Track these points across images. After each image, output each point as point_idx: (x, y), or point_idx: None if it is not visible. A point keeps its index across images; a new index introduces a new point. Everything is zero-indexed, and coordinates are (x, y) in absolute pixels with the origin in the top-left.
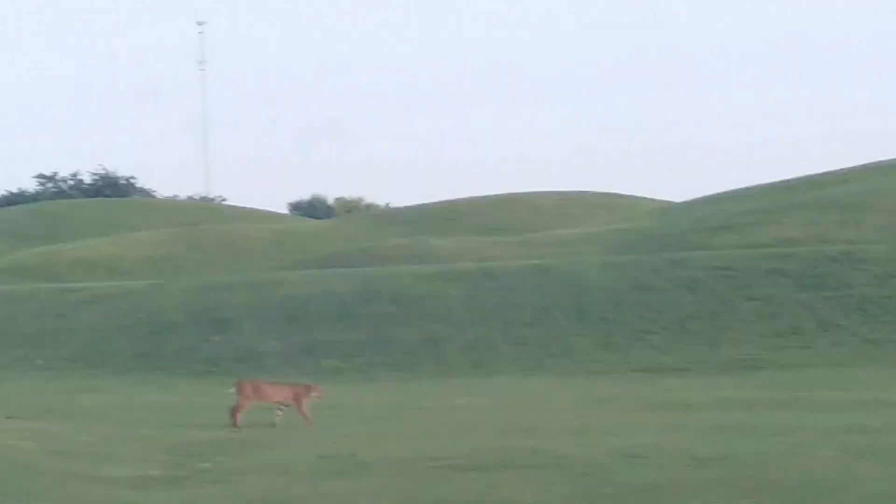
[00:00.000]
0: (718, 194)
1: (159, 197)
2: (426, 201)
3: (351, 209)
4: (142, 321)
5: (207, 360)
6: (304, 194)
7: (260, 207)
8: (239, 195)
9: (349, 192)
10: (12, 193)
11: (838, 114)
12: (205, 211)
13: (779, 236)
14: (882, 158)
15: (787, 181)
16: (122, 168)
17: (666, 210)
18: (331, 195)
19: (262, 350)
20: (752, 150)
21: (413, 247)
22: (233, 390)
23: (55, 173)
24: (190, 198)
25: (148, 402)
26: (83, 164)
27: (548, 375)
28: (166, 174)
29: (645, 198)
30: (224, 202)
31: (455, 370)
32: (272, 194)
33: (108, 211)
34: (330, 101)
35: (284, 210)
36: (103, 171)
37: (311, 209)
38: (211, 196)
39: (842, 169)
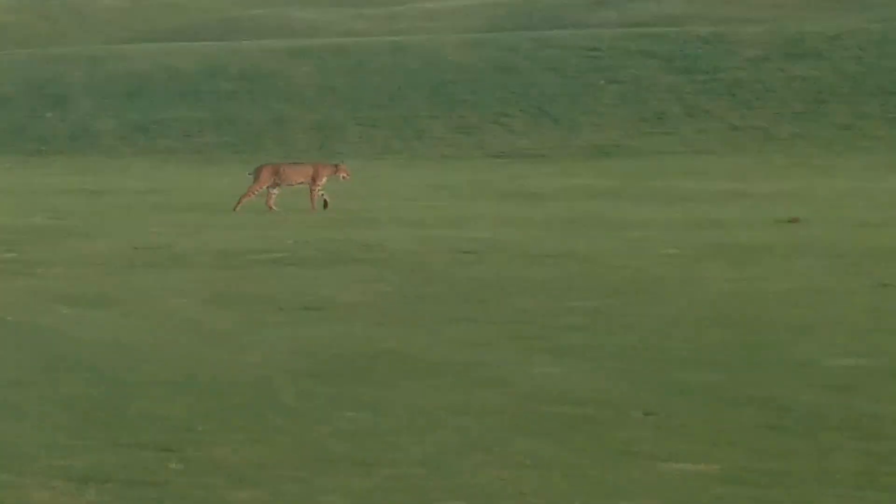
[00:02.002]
0: None
1: None
2: None
3: None
4: None
5: (39, 138)
6: None
7: None
8: None
9: None
10: None
11: None
12: None
13: (658, 13)
14: None
15: None
16: None
17: None
18: None
19: (97, 128)
20: None
21: (270, 18)
22: (251, 175)
23: None
24: None
25: None
26: None
27: (397, 159)
28: None
29: None
30: None
31: (299, 153)
32: None
33: None
34: None
35: None
36: None
37: None
38: None
39: None
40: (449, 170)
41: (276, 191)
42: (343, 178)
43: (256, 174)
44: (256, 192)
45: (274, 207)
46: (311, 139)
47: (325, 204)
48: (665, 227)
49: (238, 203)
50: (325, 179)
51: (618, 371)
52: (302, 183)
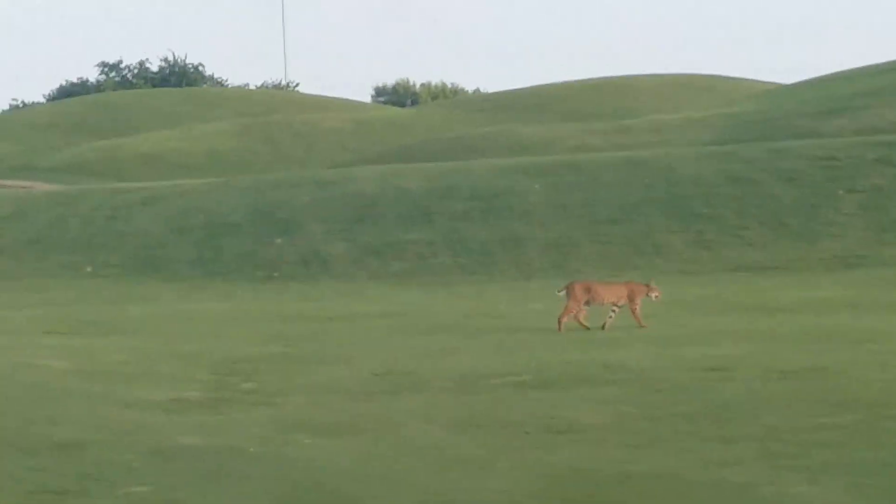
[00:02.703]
0: (830, 75)
1: (230, 86)
2: (517, 86)
3: (437, 95)
4: (199, 223)
5: (268, 264)
6: (389, 79)
7: (339, 95)
8: (318, 82)
9: (438, 76)
10: (73, 83)
11: None
12: (278, 100)
13: (893, 119)
14: None
15: None
16: (191, 55)
17: (772, 92)
18: (417, 80)
19: (327, 252)
20: (868, 28)
21: (500, 136)
22: (562, 293)
23: (119, 61)
24: (262, 86)
25: (201, 312)
26: (149, 51)
27: (635, 276)
28: (240, 61)
29: (749, 79)
30: (298, 89)
31: (535, 272)
32: (354, 80)
33: (174, 102)
34: None
35: (366, 98)
36: (171, 59)
37: (394, 95)
38: (285, 83)
39: None
40: (687, 284)
41: (584, 310)
42: (655, 297)
43: (569, 291)
44: (575, 310)
45: (584, 323)
46: (545, 258)
47: (604, 325)
48: None
49: (559, 324)
50: (640, 299)
51: (875, 488)
52: (614, 303)
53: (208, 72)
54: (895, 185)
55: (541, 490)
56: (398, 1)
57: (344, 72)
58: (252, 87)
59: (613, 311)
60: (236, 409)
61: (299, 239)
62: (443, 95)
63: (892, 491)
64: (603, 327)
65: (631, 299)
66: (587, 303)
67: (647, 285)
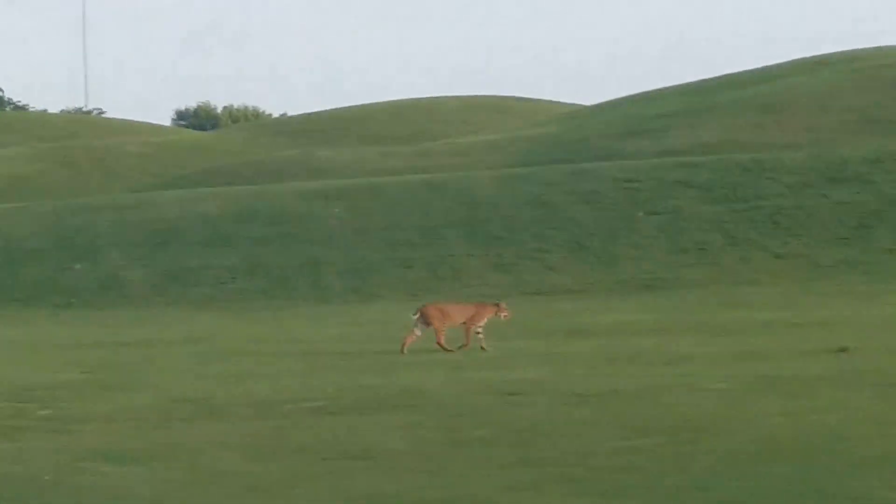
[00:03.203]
0: (629, 96)
1: (31, 111)
2: (319, 109)
3: (239, 119)
4: None
5: (67, 290)
6: (191, 103)
7: (141, 120)
8: (121, 107)
9: (242, 101)
10: None
11: (757, 8)
12: (79, 125)
13: (693, 141)
14: (805, 55)
15: (704, 81)
16: None
17: (573, 114)
18: (220, 103)
19: (126, 278)
20: (666, 50)
21: (301, 160)
22: (416, 316)
23: None
24: (64, 111)
25: None
26: None
27: (434, 300)
28: (40, 85)
29: (551, 101)
30: (102, 115)
31: (334, 296)
32: (157, 105)
33: None
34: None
35: (168, 122)
36: None
37: (196, 119)
38: (88, 108)
39: (762, 67)
40: None
41: (419, 332)
42: (504, 317)
43: (425, 315)
44: (443, 331)
45: (405, 351)
46: (344, 282)
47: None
48: (712, 360)
49: (441, 345)
50: (485, 319)
51: None
52: (464, 324)
53: (7, 96)
54: (695, 206)
55: None
56: (202, 25)
57: (147, 96)
58: (53, 112)
59: (478, 332)
60: (33, 436)
61: (98, 265)
62: (244, 119)
63: None
64: (482, 348)
65: (475, 319)
66: (428, 325)
67: (497, 304)
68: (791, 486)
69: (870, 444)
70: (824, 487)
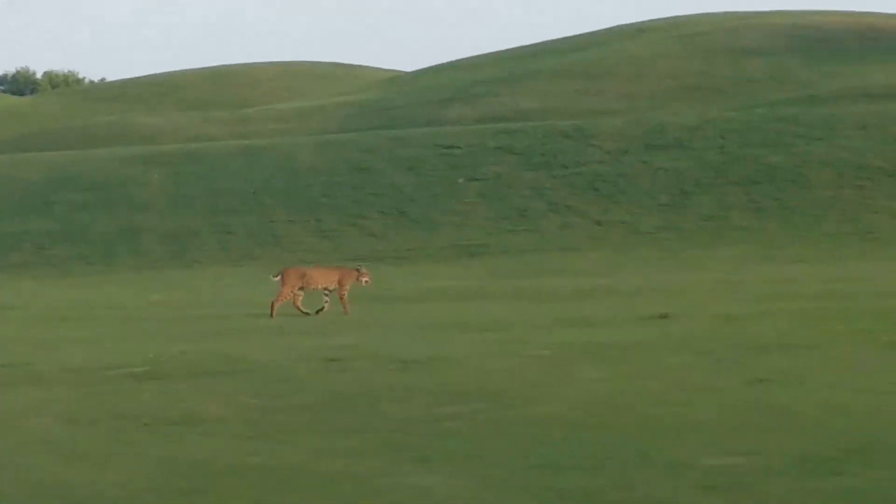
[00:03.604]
0: (451, 62)
1: None
2: (139, 74)
3: (59, 84)
4: None
5: None
6: (10, 68)
7: None
8: None
9: (63, 65)
10: None
11: None
12: None
13: (513, 108)
14: (624, 22)
15: (523, 47)
16: None
17: (394, 80)
18: (41, 69)
19: None
20: (487, 16)
21: (120, 125)
22: (277, 278)
23: None
24: None
25: None
26: None
27: (256, 266)
28: None
29: (371, 67)
30: None
31: (154, 262)
32: None
33: None
34: None
35: None
36: None
37: (14, 84)
38: None
39: (581, 34)
40: None
41: (300, 294)
42: (365, 282)
43: (284, 277)
44: (290, 296)
45: (303, 308)
46: (165, 248)
47: (319, 311)
48: (534, 327)
49: (272, 309)
50: (349, 284)
51: (494, 479)
52: (325, 287)
53: None
54: (515, 172)
55: (158, 482)
56: None
57: None
58: None
59: (325, 295)
60: None
61: None
62: (65, 84)
63: (511, 481)
64: (318, 312)
65: (341, 284)
66: (301, 288)
67: (358, 270)
68: (611, 452)
69: (689, 409)
70: (644, 452)
